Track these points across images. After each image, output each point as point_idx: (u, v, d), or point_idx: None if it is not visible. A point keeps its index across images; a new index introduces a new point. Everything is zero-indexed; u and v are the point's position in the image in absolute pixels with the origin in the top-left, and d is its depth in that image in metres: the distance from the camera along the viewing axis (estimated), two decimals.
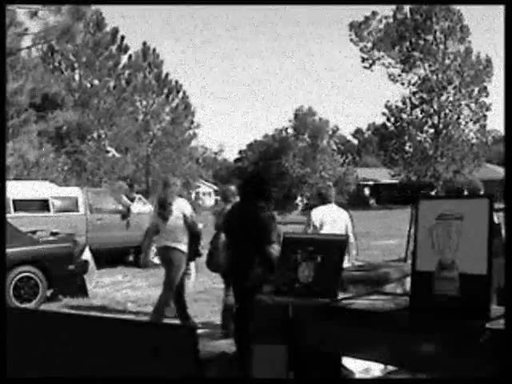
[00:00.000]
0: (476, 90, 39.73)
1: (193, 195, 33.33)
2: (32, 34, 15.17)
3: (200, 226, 6.83)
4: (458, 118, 40.08)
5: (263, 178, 5.16)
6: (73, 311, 7.36)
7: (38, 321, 2.19)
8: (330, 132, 47.90)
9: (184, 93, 34.73)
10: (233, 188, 6.54)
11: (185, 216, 6.28)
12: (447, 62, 39.71)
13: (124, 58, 30.62)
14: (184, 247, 6.30)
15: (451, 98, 39.89)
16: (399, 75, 40.78)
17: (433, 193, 34.90)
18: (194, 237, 6.47)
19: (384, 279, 3.63)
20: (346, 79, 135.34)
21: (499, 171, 35.58)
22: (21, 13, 14.83)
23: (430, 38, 39.83)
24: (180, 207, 6.28)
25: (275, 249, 4.29)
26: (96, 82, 28.85)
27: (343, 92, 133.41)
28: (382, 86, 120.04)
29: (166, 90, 33.86)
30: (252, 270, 4.49)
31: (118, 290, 9.73)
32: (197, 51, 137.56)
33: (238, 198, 5.93)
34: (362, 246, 8.19)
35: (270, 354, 2.85)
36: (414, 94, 40.28)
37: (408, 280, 3.07)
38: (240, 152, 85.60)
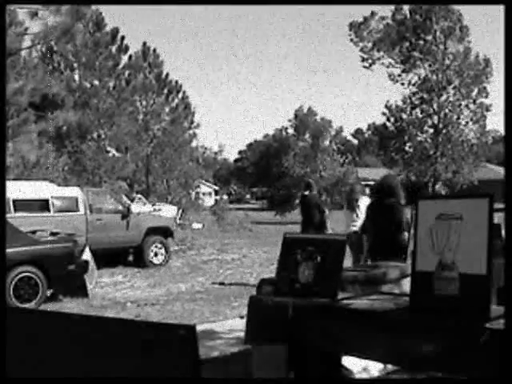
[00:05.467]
0: (476, 90, 39.67)
1: (193, 195, 33.22)
2: (32, 35, 15.15)
3: (199, 225, 7.13)
4: (458, 118, 40.00)
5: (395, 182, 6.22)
6: (73, 311, 7.36)
7: (38, 321, 2.19)
8: (334, 132, 47.77)
9: (184, 93, 34.65)
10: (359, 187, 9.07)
11: None
12: (447, 62, 39.65)
13: (124, 58, 30.55)
14: None
15: (451, 98, 39.82)
16: (399, 75, 40.69)
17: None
18: None
19: (381, 279, 3.62)
20: (346, 79, 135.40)
21: (499, 171, 35.54)
22: (21, 13, 14.82)
23: (429, 38, 39.77)
24: (365, 204, 7.96)
25: (405, 235, 5.25)
26: (96, 82, 28.77)
27: (343, 92, 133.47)
28: (382, 86, 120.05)
29: (166, 90, 33.79)
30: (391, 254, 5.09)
31: (118, 289, 9.74)
32: (197, 51, 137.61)
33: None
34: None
35: (270, 354, 2.85)
36: (414, 94, 40.22)
37: (405, 280, 3.07)
38: (240, 152, 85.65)
